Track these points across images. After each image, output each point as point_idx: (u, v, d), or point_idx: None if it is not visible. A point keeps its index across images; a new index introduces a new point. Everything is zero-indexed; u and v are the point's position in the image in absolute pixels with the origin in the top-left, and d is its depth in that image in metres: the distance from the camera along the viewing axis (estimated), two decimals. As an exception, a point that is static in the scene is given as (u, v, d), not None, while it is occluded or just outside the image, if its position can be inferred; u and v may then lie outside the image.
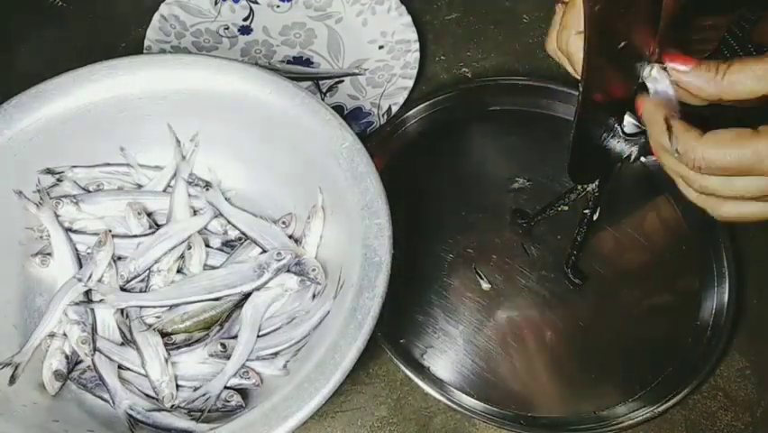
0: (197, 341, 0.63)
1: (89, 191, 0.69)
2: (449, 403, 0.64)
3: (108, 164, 0.69)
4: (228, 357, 0.61)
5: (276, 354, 0.62)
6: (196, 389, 0.61)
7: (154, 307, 0.64)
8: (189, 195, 0.69)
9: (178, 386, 0.61)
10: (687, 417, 0.65)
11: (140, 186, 0.70)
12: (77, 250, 0.66)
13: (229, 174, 0.70)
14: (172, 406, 0.60)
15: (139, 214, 0.67)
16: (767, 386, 0.67)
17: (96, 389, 0.61)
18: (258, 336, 0.63)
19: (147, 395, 0.61)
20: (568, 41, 0.54)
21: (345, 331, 0.54)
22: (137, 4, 0.88)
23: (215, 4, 0.89)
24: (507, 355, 0.67)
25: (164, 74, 0.66)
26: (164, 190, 0.70)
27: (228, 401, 0.60)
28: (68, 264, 0.65)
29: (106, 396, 0.60)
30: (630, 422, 0.63)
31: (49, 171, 0.67)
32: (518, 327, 0.68)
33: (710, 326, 0.68)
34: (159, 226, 0.68)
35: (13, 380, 0.58)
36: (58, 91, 0.65)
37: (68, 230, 0.67)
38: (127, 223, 0.68)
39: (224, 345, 0.62)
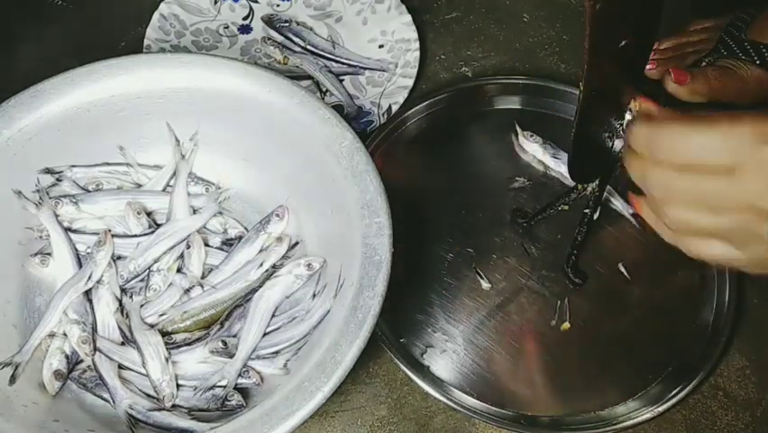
0: (198, 340, 0.63)
1: (89, 191, 0.69)
2: (449, 403, 0.64)
3: (107, 164, 0.70)
4: (230, 355, 0.61)
5: (276, 352, 0.62)
6: (195, 388, 0.61)
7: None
8: (189, 194, 0.69)
9: (178, 385, 0.61)
10: (687, 416, 0.65)
11: (139, 185, 0.71)
12: (76, 250, 0.66)
13: (228, 173, 0.70)
14: (173, 405, 0.60)
15: (138, 213, 0.67)
16: (767, 385, 0.67)
17: (96, 388, 0.61)
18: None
19: (147, 395, 0.61)
20: None
21: (346, 330, 0.54)
22: (137, 4, 0.88)
23: (215, 3, 0.89)
24: (508, 355, 0.67)
25: (163, 73, 0.66)
26: (164, 190, 0.70)
27: (228, 400, 0.60)
28: (67, 264, 0.65)
29: (107, 396, 0.60)
30: (630, 422, 0.63)
31: (48, 171, 0.67)
32: (518, 327, 0.68)
33: (710, 325, 0.68)
34: (158, 226, 0.68)
35: (13, 379, 0.58)
36: (56, 91, 0.65)
37: (67, 230, 0.67)
38: (127, 222, 0.68)
39: (224, 343, 0.62)
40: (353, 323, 0.54)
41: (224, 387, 0.60)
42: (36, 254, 0.66)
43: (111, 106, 0.66)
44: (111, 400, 0.60)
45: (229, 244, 0.69)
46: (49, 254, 0.66)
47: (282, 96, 0.64)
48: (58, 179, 0.68)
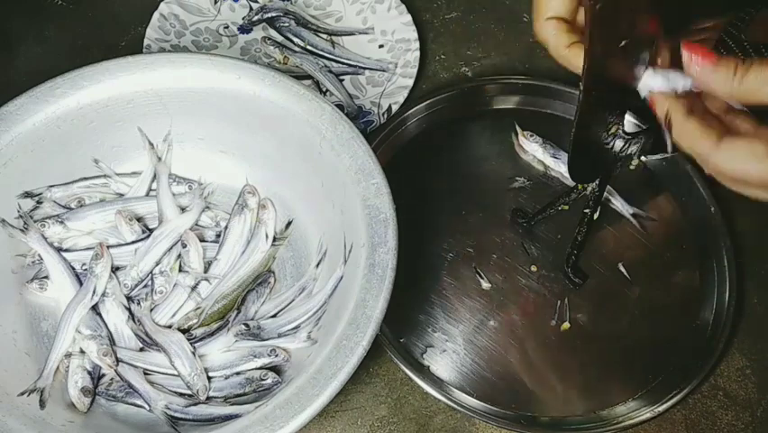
0: (218, 329, 0.63)
1: (71, 208, 0.68)
2: (449, 403, 0.64)
3: (85, 178, 0.69)
4: (254, 336, 0.62)
5: (297, 327, 0.63)
6: (227, 377, 0.62)
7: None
8: (174, 194, 0.69)
9: (208, 378, 0.61)
10: (687, 416, 0.65)
11: (121, 195, 0.70)
12: (72, 268, 0.66)
13: (208, 167, 0.70)
14: (207, 397, 0.60)
15: (130, 220, 0.67)
16: (767, 385, 0.67)
17: (127, 397, 0.61)
18: (274, 316, 0.64)
19: (180, 394, 0.61)
20: (539, 30, 0.56)
21: (369, 286, 0.55)
22: (137, 4, 0.88)
23: (215, 3, 0.89)
24: (508, 355, 0.67)
25: (127, 78, 0.65)
26: (147, 195, 0.70)
27: (263, 380, 0.61)
28: (66, 284, 0.65)
29: (140, 402, 0.60)
30: (630, 422, 0.63)
31: (27, 195, 0.66)
32: (518, 327, 0.68)
33: (710, 325, 0.68)
34: (151, 230, 0.68)
35: (42, 404, 0.58)
36: (22, 112, 0.64)
37: (58, 250, 0.66)
38: (120, 231, 0.68)
39: (246, 325, 0.62)
40: (375, 279, 0.55)
41: (259, 369, 0.61)
42: (32, 280, 0.65)
43: (80, 119, 0.66)
44: (146, 405, 0.60)
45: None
46: (45, 278, 0.65)
47: (252, 81, 0.65)
48: (38, 202, 0.67)
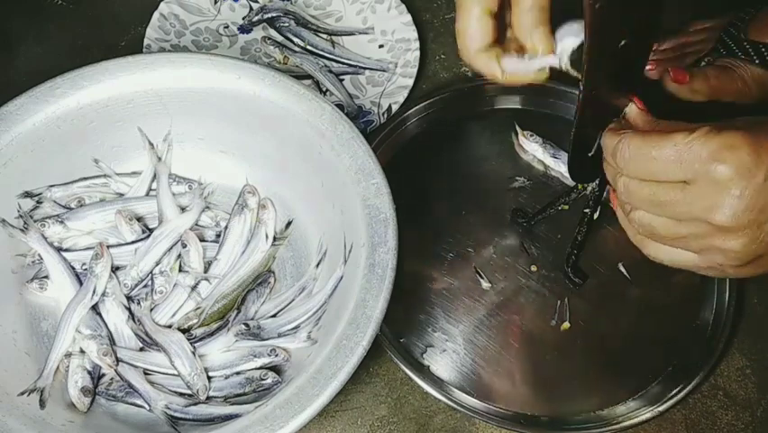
0: (218, 329, 0.63)
1: (71, 208, 0.68)
2: (449, 403, 0.64)
3: (85, 178, 0.69)
4: (254, 336, 0.62)
5: (297, 327, 0.63)
6: (227, 376, 0.62)
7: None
8: (174, 194, 0.69)
9: (208, 377, 0.61)
10: (687, 416, 0.65)
11: (121, 194, 0.70)
12: (73, 268, 0.66)
13: (208, 167, 0.70)
14: (207, 397, 0.60)
15: (130, 220, 0.67)
16: (767, 385, 0.67)
17: (127, 397, 0.61)
18: (274, 316, 0.64)
19: (180, 393, 0.61)
20: (474, 64, 0.53)
21: (369, 286, 0.55)
22: (137, 3, 0.88)
23: (215, 2, 0.89)
24: (508, 355, 0.67)
25: (127, 78, 0.65)
26: (147, 194, 0.70)
27: (263, 380, 0.61)
28: (66, 284, 0.65)
29: (140, 402, 0.60)
30: (630, 422, 0.63)
31: (27, 195, 0.66)
32: (518, 327, 0.68)
33: (710, 325, 0.68)
34: (151, 230, 0.68)
35: (42, 404, 0.58)
36: (22, 112, 0.63)
37: (58, 250, 0.66)
38: (120, 230, 0.68)
39: (246, 325, 0.62)
40: (375, 279, 0.55)
41: (259, 368, 0.61)
42: (32, 280, 0.65)
43: (80, 119, 0.65)
44: (146, 405, 0.60)
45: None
46: (46, 278, 0.65)
47: (252, 81, 0.65)
48: (38, 202, 0.67)
